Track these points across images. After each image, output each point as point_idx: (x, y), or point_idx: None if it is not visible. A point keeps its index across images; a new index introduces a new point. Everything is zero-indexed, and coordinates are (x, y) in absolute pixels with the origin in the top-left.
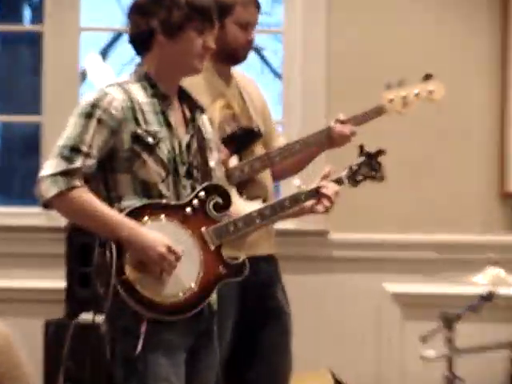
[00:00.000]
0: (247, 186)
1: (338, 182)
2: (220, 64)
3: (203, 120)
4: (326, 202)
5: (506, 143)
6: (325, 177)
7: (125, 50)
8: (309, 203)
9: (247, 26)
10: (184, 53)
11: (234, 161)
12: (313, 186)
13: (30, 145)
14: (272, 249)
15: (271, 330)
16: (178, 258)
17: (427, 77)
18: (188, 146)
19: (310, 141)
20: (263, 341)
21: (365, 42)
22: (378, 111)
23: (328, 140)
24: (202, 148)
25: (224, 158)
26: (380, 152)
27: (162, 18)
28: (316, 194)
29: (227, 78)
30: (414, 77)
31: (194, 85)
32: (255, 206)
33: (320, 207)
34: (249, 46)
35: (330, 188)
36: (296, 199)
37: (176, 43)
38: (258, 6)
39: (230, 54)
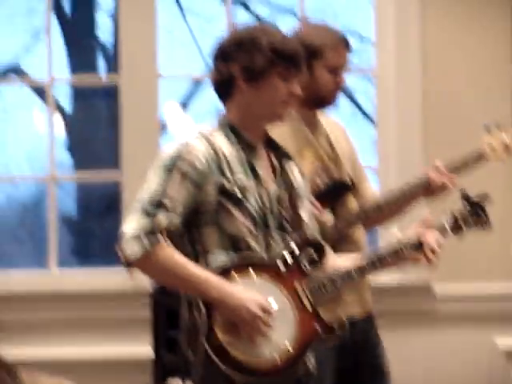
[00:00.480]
0: (340, 242)
1: (441, 231)
2: (307, 110)
3: (292, 168)
4: (430, 255)
5: None
6: (424, 223)
7: (206, 99)
8: (410, 255)
9: (337, 70)
10: (267, 100)
11: (327, 216)
12: (412, 235)
13: (109, 203)
14: (368, 307)
15: None
16: (271, 317)
17: None
18: (278, 197)
19: (407, 192)
20: None
21: (463, 83)
22: (478, 158)
23: (425, 190)
24: (293, 198)
25: (318, 213)
26: (484, 197)
27: (243, 63)
28: (419, 245)
29: (314, 125)
30: None
31: (280, 133)
32: (351, 261)
33: (424, 260)
34: (339, 89)
35: (432, 238)
36: (397, 253)
37: (258, 90)
38: (348, 48)
39: (319, 99)
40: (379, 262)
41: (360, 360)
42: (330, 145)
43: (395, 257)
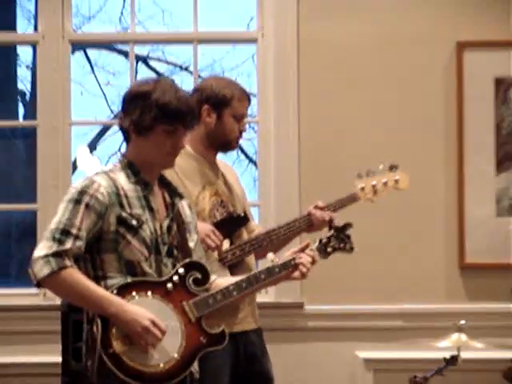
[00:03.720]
0: (236, 267)
1: (312, 254)
2: (212, 152)
3: (183, 205)
4: (302, 269)
5: (464, 221)
6: (299, 250)
7: (111, 142)
8: (284, 273)
9: (241, 118)
10: (153, 151)
11: (226, 245)
12: (287, 257)
13: (26, 231)
14: (258, 322)
15: None
16: (162, 331)
17: (392, 167)
18: (168, 228)
19: (294, 226)
20: None
21: (334, 131)
22: (352, 199)
23: (308, 225)
24: (182, 230)
25: (213, 244)
26: (347, 225)
27: (134, 118)
28: (290, 264)
29: (214, 166)
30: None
31: (187, 171)
32: (235, 281)
33: (297, 274)
34: (241, 136)
35: (303, 257)
36: (270, 272)
37: (146, 142)
38: (250, 100)
39: (225, 143)
40: (255, 279)
41: (253, 368)
42: (226, 183)
43: (269, 275)
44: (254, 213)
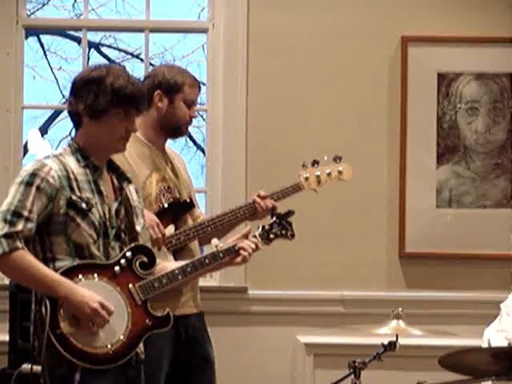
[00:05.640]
0: (180, 252)
1: (254, 240)
2: (161, 138)
3: (130, 189)
4: (244, 253)
5: (405, 211)
6: (242, 236)
7: (62, 126)
8: (227, 258)
9: (192, 104)
10: (106, 135)
11: (171, 230)
12: (230, 243)
13: None
14: (199, 307)
15: (201, 376)
16: (109, 313)
17: (336, 158)
18: (117, 211)
19: (239, 213)
20: None
21: (281, 121)
22: (296, 188)
23: (251, 213)
24: (130, 214)
25: (159, 236)
26: (289, 213)
27: (88, 102)
28: (233, 250)
29: (163, 153)
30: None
31: (136, 156)
32: (180, 265)
33: (239, 259)
34: (191, 122)
35: (246, 243)
36: (215, 257)
37: (99, 126)
38: (200, 86)
39: (175, 129)
40: (200, 264)
41: (193, 351)
42: (173, 170)
43: (213, 260)
44: (200, 199)
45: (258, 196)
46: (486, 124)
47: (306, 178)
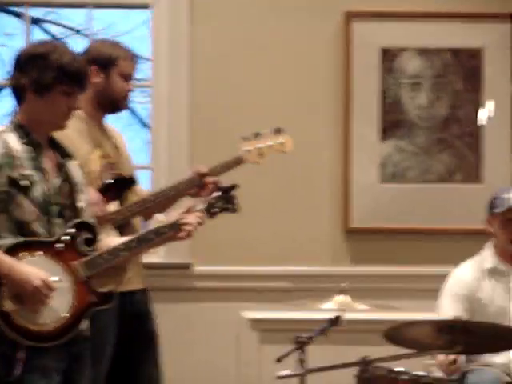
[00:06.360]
0: (123, 229)
1: (198, 214)
2: (101, 113)
3: (72, 166)
4: (188, 227)
5: (349, 186)
6: (186, 211)
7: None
8: (171, 233)
9: (128, 78)
10: (50, 111)
11: (114, 206)
12: (174, 217)
13: None
14: (144, 283)
15: (146, 351)
16: (51, 290)
17: (278, 130)
18: (59, 188)
19: (181, 188)
20: (137, 361)
21: (225, 95)
22: (237, 161)
23: (194, 189)
24: (72, 191)
25: (100, 204)
26: (233, 186)
27: (33, 77)
28: (177, 225)
29: (104, 129)
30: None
31: (77, 132)
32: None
33: (182, 234)
34: (129, 95)
35: (190, 218)
36: (159, 231)
37: (43, 102)
38: (136, 60)
39: (113, 103)
40: (144, 239)
41: (138, 327)
42: (115, 147)
43: (158, 235)
44: (146, 176)
45: (199, 172)
46: (429, 99)
47: (248, 151)
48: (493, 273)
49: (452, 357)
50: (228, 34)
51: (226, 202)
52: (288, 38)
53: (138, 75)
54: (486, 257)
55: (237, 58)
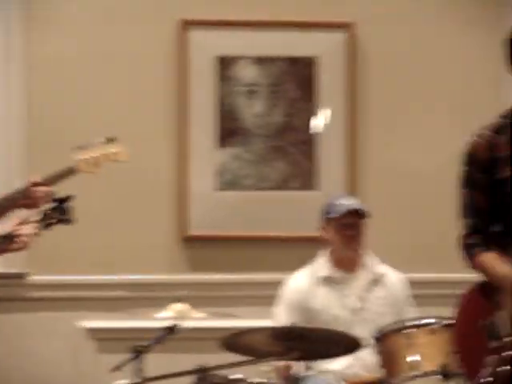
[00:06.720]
0: None
1: (33, 225)
2: None
3: None
4: (22, 239)
5: (186, 194)
6: (21, 222)
7: None
8: (5, 245)
9: None
10: None
11: None
12: (7, 229)
13: None
14: None
15: None
16: None
17: (110, 139)
18: None
19: (14, 198)
20: None
21: (61, 106)
22: (70, 171)
23: (28, 200)
24: None
25: None
26: (68, 197)
27: None
28: (11, 236)
29: None
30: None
31: None
32: None
33: (16, 245)
34: None
35: (24, 229)
36: None
37: None
38: None
39: None
40: None
41: None
42: None
43: None
44: None
45: (32, 183)
46: (265, 107)
47: (82, 160)
48: (327, 281)
49: (283, 363)
50: (63, 44)
51: (61, 213)
52: (124, 46)
53: None
54: (321, 265)
55: (72, 68)
